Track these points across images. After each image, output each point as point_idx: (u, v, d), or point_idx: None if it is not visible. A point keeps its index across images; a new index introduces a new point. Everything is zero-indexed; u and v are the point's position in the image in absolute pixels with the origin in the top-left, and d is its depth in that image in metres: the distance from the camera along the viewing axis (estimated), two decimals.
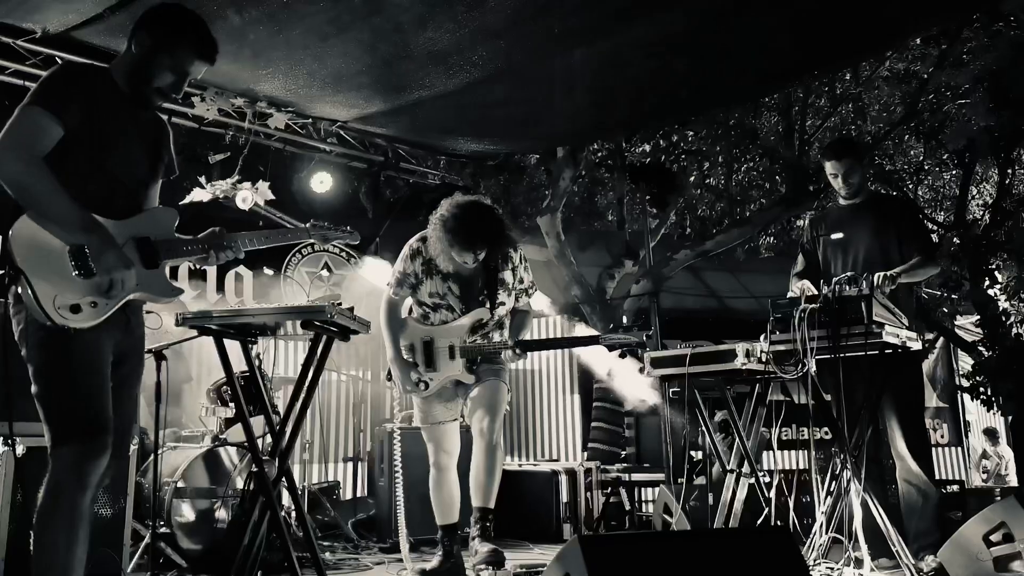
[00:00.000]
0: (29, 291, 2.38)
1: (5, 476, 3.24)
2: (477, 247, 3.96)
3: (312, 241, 3.40)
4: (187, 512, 4.55)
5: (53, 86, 2.51)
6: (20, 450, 3.26)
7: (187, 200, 6.09)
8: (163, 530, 4.37)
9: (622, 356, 4.04)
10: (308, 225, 3.12)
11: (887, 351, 3.78)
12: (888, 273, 3.96)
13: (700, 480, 5.14)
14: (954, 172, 10.48)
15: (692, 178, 9.70)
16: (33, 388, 2.51)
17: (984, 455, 11.16)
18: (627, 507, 6.51)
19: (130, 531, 3.80)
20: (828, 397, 4.00)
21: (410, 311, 4.33)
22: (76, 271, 2.45)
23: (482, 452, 4.03)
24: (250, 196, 6.33)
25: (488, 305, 4.14)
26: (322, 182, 7.02)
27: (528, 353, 4.13)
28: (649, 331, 4.11)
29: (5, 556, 3.20)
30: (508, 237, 4.12)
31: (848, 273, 3.86)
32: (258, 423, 4.12)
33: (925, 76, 8.66)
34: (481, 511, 4.02)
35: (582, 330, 8.02)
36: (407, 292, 4.24)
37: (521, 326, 4.29)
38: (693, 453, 5.43)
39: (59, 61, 5.56)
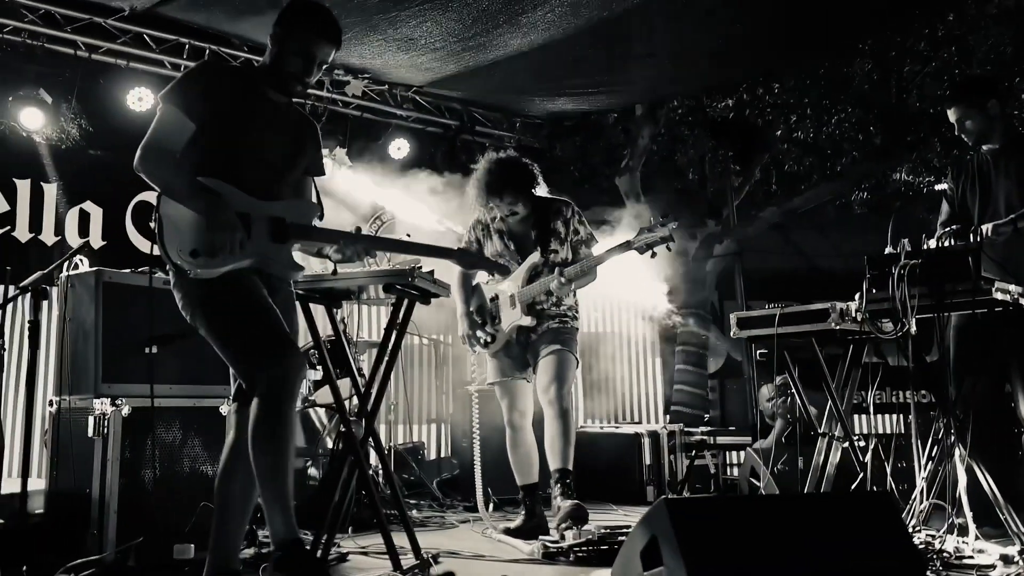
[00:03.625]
0: (159, 232, 2.68)
1: (114, 434, 3.42)
2: (504, 194, 4.22)
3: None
4: None
5: (183, 84, 2.80)
6: (126, 410, 3.46)
7: None
8: None
9: (652, 255, 4.06)
10: (457, 248, 3.16)
11: (997, 308, 3.50)
12: (998, 223, 3.69)
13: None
14: None
15: (779, 132, 9.31)
16: (214, 340, 2.72)
17: None
18: (712, 470, 6.41)
19: None
20: (929, 359, 3.78)
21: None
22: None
23: (553, 419, 4.12)
24: (329, 164, 6.39)
25: (539, 251, 4.26)
26: (399, 148, 7.06)
27: (577, 281, 4.18)
28: (674, 222, 4.02)
29: (117, 508, 3.38)
30: (530, 180, 4.29)
31: (954, 226, 3.62)
32: (344, 385, 4.17)
33: None
34: (560, 471, 4.09)
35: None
36: None
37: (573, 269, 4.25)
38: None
39: (147, 38, 5.88)
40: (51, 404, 3.73)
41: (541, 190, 4.39)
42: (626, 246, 4.10)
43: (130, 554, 3.35)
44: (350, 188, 6.56)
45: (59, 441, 3.62)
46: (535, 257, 4.28)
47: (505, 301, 4.33)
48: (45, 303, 3.39)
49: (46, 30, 5.57)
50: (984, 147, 4.13)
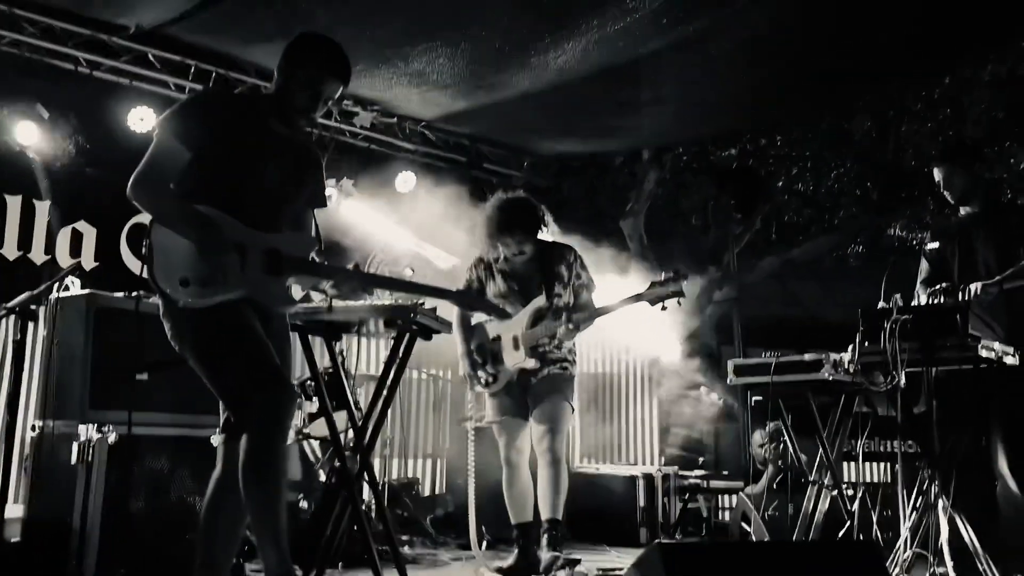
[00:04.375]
0: (148, 259, 2.62)
1: (99, 462, 3.36)
2: (514, 234, 4.22)
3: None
4: None
5: (182, 112, 2.75)
6: (113, 438, 3.40)
7: None
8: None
9: (663, 309, 4.11)
10: (456, 290, 3.11)
11: (982, 365, 3.62)
12: (987, 283, 3.80)
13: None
14: None
15: (780, 183, 9.46)
16: (203, 372, 2.65)
17: None
18: (704, 514, 6.43)
19: None
20: (916, 410, 3.87)
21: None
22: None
23: (546, 467, 4.16)
24: (335, 194, 6.45)
25: (544, 294, 4.27)
26: (405, 182, 7.00)
27: (581, 328, 4.24)
28: (685, 279, 4.09)
29: (99, 538, 3.31)
30: (539, 222, 4.31)
31: (943, 284, 3.73)
32: (340, 418, 4.21)
33: None
34: (549, 522, 4.14)
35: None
36: None
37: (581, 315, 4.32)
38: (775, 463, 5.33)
39: (151, 58, 5.69)
40: (33, 429, 3.63)
41: (549, 233, 4.45)
42: (637, 298, 4.15)
43: None
44: (355, 220, 6.60)
45: (40, 467, 3.52)
46: (540, 301, 4.28)
47: (508, 342, 4.31)
48: (32, 324, 3.27)
49: (47, 44, 5.38)
50: (964, 210, 4.29)
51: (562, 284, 4.35)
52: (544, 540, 4.11)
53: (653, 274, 4.25)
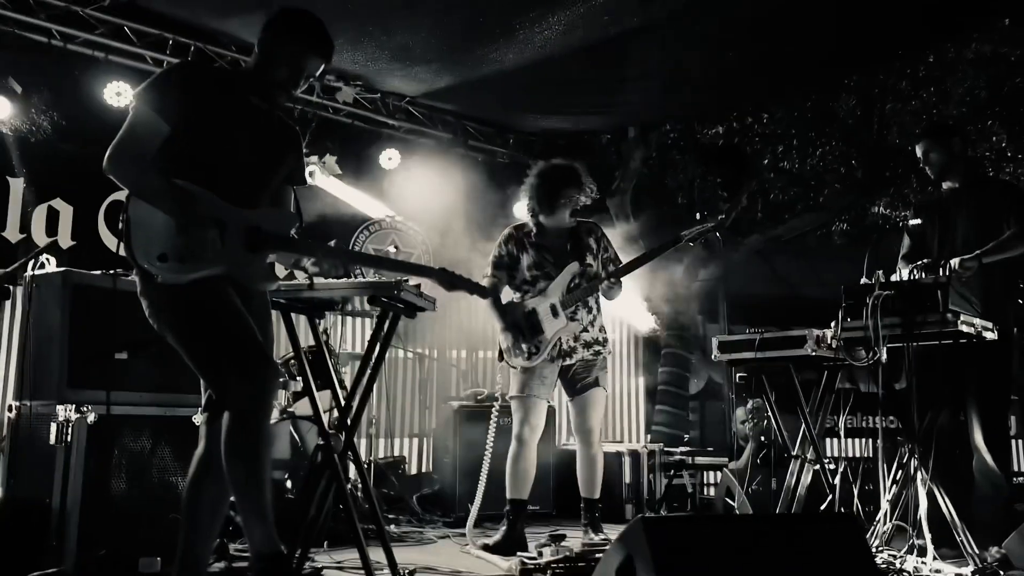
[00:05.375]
0: (125, 235, 2.56)
1: (79, 442, 3.31)
2: (573, 190, 4.37)
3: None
4: None
5: (159, 83, 2.68)
6: (92, 418, 3.35)
7: None
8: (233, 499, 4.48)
9: (703, 242, 4.34)
10: (438, 268, 3.06)
11: (962, 340, 3.66)
12: (966, 257, 3.84)
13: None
14: None
15: (766, 161, 9.49)
16: (182, 349, 2.60)
17: None
18: (689, 490, 6.47)
19: None
20: (897, 386, 3.92)
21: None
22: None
23: (584, 448, 4.43)
24: (317, 171, 6.39)
25: (578, 261, 4.39)
26: (390, 158, 6.96)
27: (616, 288, 4.36)
28: (720, 216, 4.31)
29: (79, 518, 3.28)
30: (589, 182, 4.45)
31: (924, 260, 3.76)
32: (325, 397, 4.20)
33: (1013, 59, 8.29)
34: (587, 501, 4.42)
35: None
36: (503, 274, 4.52)
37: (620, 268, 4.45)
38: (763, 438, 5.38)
39: (127, 31, 5.59)
40: (10, 409, 3.57)
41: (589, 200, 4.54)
42: (676, 241, 4.29)
43: (91, 567, 3.22)
44: (339, 196, 6.54)
45: (18, 448, 3.47)
46: (575, 267, 4.39)
47: (546, 311, 4.37)
48: (7, 303, 3.24)
49: (18, 16, 5.24)
50: (945, 184, 4.36)
51: (592, 255, 4.47)
52: (586, 519, 4.38)
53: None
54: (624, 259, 4.52)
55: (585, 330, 4.41)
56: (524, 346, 4.38)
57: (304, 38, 2.78)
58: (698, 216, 4.28)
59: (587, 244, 4.48)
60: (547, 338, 4.35)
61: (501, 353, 4.50)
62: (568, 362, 4.40)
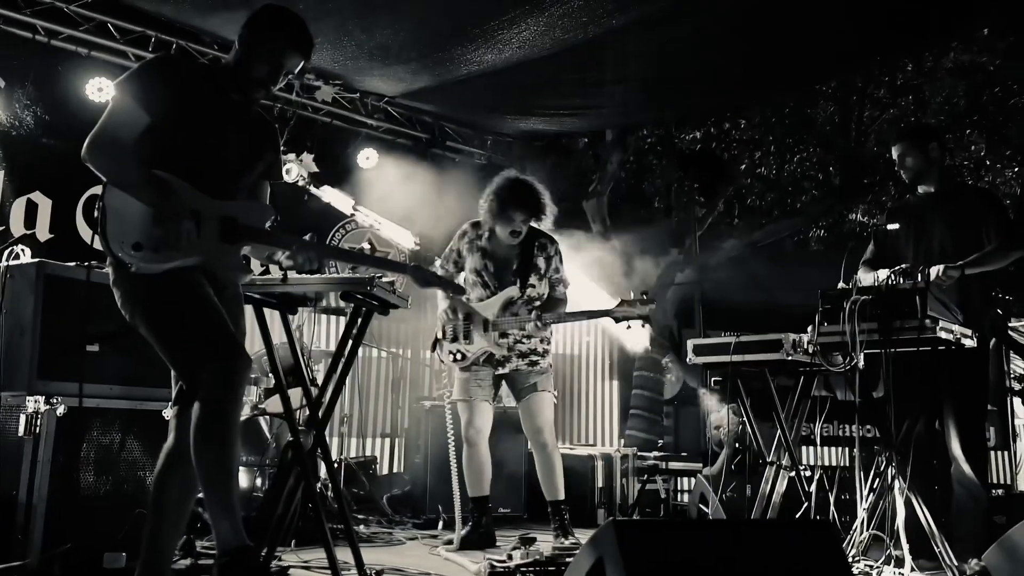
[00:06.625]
0: (101, 223, 2.56)
1: (47, 435, 3.27)
2: (521, 212, 4.34)
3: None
4: None
5: (141, 74, 2.71)
6: (61, 410, 3.31)
7: None
8: (200, 496, 4.41)
9: (628, 327, 4.27)
10: (412, 265, 3.07)
11: (940, 348, 3.62)
12: (949, 266, 3.83)
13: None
14: (1016, 169, 10.15)
15: (743, 167, 9.52)
16: (154, 339, 2.60)
17: None
18: (663, 495, 6.45)
19: None
20: (875, 394, 3.89)
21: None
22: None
23: (539, 454, 4.45)
24: (294, 168, 6.32)
25: (518, 284, 4.38)
26: (368, 158, 6.96)
27: (549, 326, 4.43)
28: (653, 304, 4.26)
29: (45, 511, 3.22)
30: (544, 208, 4.45)
31: (903, 265, 3.74)
32: (296, 394, 4.13)
33: (991, 68, 8.37)
34: (553, 504, 4.42)
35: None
36: (452, 268, 4.58)
37: (551, 309, 4.47)
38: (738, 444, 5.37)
39: (111, 27, 5.72)
40: None
41: (544, 223, 4.52)
42: (606, 313, 4.30)
43: (56, 561, 3.17)
44: (316, 195, 6.48)
45: None
46: (513, 291, 4.39)
47: (479, 323, 4.39)
48: None
49: (3, 11, 5.32)
50: (920, 189, 4.32)
51: (538, 275, 4.45)
52: (554, 524, 4.39)
53: (622, 293, 4.47)
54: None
55: (520, 341, 4.42)
56: (454, 347, 4.43)
57: (284, 35, 2.81)
58: (633, 295, 4.28)
59: (535, 264, 4.45)
60: (474, 348, 4.40)
61: (435, 343, 4.54)
62: (501, 371, 4.44)
